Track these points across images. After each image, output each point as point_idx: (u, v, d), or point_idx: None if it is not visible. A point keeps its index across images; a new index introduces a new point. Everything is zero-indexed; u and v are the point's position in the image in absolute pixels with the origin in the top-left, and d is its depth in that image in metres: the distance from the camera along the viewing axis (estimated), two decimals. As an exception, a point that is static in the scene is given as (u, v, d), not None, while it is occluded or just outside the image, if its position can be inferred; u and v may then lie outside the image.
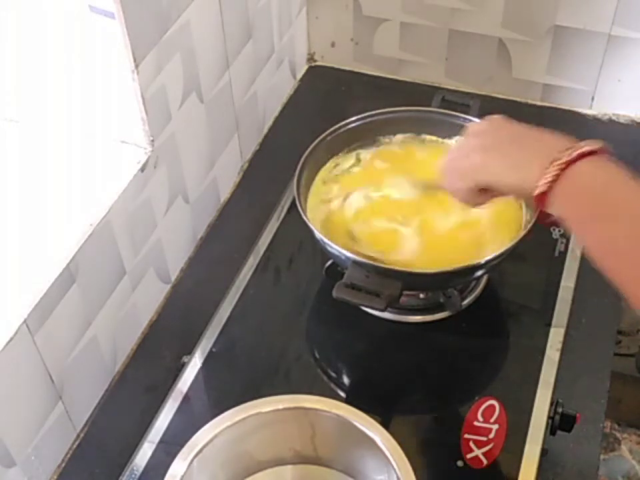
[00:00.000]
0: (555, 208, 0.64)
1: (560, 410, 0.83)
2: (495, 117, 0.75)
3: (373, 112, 1.00)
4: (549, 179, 0.63)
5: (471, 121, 0.98)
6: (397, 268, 0.83)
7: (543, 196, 0.64)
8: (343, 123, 0.99)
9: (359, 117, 1.00)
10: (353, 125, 0.99)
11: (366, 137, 1.01)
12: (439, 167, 0.78)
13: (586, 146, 0.63)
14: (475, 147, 0.73)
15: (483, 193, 0.73)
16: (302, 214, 0.88)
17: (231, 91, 1.07)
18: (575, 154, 0.63)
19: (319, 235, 0.86)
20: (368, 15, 1.26)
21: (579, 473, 0.83)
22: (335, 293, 0.81)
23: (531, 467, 0.80)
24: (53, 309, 0.78)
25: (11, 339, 0.73)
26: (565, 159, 0.63)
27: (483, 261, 0.84)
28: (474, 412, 0.84)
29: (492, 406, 0.84)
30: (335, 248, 0.85)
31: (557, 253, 0.99)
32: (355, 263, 0.83)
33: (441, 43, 1.24)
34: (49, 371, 0.80)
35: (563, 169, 0.63)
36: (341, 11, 1.27)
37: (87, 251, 0.81)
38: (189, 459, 0.71)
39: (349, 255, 0.83)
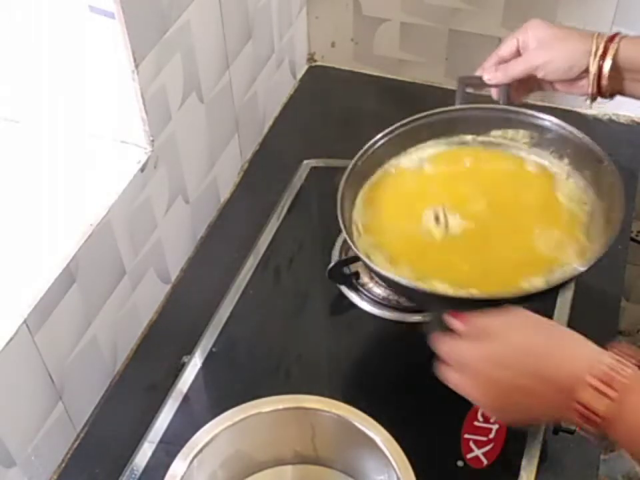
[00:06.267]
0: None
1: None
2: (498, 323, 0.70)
3: (423, 114, 0.93)
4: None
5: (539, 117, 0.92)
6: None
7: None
8: (391, 129, 0.92)
9: (410, 119, 0.93)
10: (404, 128, 0.93)
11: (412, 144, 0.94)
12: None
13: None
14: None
15: None
16: (351, 245, 0.83)
17: (231, 91, 1.07)
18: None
19: (384, 272, 0.81)
20: (368, 14, 1.26)
21: (579, 473, 0.83)
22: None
23: (531, 467, 0.80)
24: (53, 309, 0.78)
25: (11, 339, 0.72)
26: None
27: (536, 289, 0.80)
28: (474, 412, 0.84)
29: (492, 406, 0.84)
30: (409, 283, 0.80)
31: (557, 253, 0.99)
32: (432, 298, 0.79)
33: (441, 42, 1.24)
34: (49, 371, 0.80)
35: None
36: (340, 10, 1.27)
37: (87, 251, 0.81)
38: (189, 459, 0.71)
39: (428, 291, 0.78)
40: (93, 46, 0.81)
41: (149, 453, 0.83)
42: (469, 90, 0.95)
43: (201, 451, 0.72)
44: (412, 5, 1.22)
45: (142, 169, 0.89)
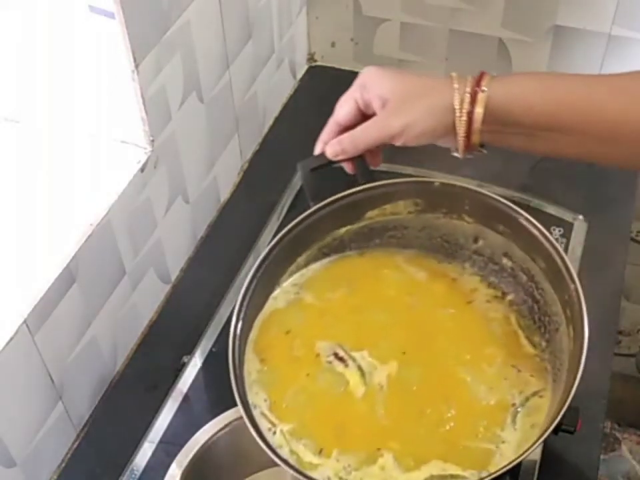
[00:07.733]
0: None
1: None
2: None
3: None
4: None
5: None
6: None
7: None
8: (257, 264, 0.73)
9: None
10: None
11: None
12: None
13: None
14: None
15: None
16: (267, 450, 0.64)
17: (231, 90, 1.07)
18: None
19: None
20: (368, 14, 1.26)
21: (578, 473, 0.83)
22: None
23: (531, 467, 0.80)
24: (53, 309, 0.78)
25: (11, 339, 0.73)
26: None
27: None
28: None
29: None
30: None
31: (556, 253, 0.98)
32: None
33: (441, 43, 1.24)
34: (49, 371, 0.80)
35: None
36: (341, 11, 1.27)
37: (87, 250, 0.81)
38: (189, 459, 0.71)
39: None
40: (92, 46, 0.81)
41: (149, 453, 0.83)
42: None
43: (200, 451, 0.72)
44: (412, 5, 1.22)
45: (142, 169, 0.89)
